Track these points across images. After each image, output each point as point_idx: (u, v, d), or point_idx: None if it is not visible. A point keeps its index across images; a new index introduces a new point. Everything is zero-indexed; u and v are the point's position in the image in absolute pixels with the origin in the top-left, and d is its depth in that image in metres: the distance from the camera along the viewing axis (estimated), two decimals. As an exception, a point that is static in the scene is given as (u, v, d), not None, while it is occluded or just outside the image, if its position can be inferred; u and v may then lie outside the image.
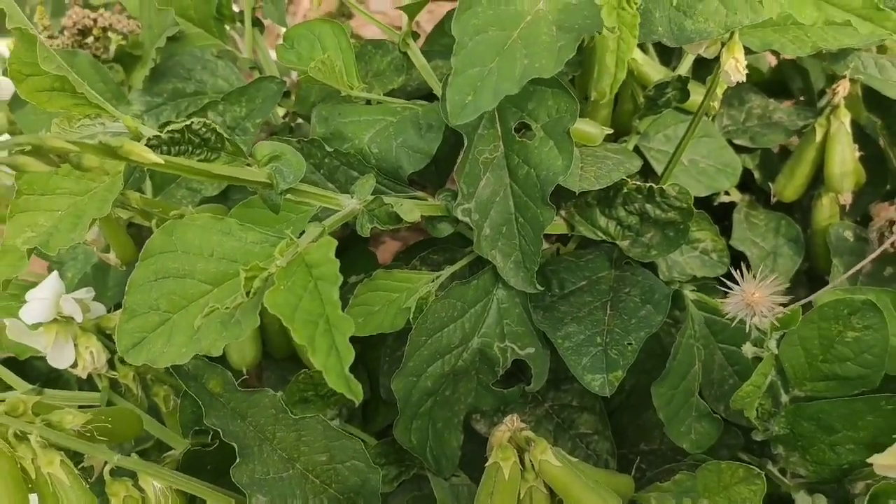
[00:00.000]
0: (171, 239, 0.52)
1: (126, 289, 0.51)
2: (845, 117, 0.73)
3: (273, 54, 0.85)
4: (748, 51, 0.68)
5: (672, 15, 0.60)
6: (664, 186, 0.65)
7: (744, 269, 0.55)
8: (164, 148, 0.54)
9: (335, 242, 0.48)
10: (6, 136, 0.82)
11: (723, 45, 0.60)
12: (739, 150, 0.79)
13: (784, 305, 0.55)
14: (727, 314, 0.56)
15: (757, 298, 0.53)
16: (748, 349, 0.59)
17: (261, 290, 0.49)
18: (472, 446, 0.70)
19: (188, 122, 0.54)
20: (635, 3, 0.47)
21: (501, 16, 0.54)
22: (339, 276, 0.47)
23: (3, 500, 0.52)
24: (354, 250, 0.83)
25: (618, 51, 0.47)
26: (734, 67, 0.59)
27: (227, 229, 0.53)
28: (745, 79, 0.58)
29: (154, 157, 0.48)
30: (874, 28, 0.46)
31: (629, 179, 0.66)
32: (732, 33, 0.59)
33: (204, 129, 0.55)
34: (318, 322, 0.47)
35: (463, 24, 0.54)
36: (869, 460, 0.42)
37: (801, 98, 0.89)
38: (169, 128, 0.54)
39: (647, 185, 0.66)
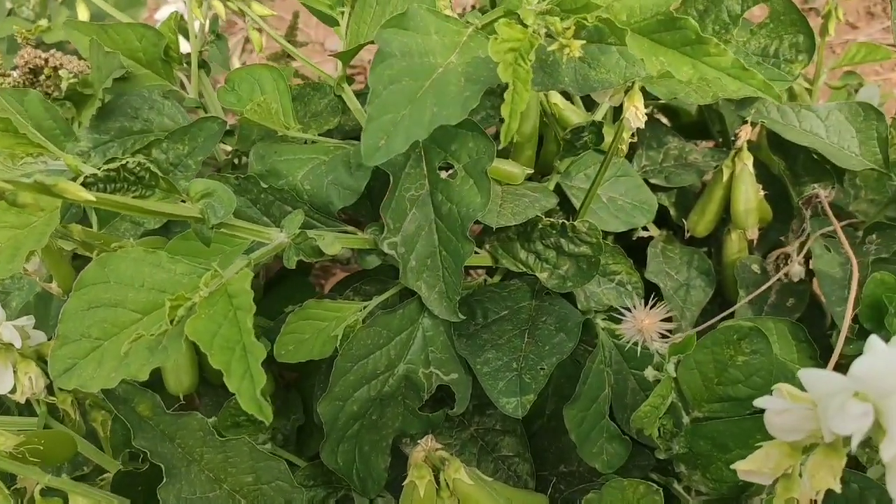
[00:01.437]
0: (104, 271, 0.56)
1: (60, 317, 0.55)
2: (748, 159, 0.78)
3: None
4: (655, 99, 0.74)
5: (577, 66, 0.66)
6: (576, 223, 0.70)
7: (635, 298, 0.59)
8: (101, 185, 0.58)
9: (251, 274, 0.52)
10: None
11: (625, 93, 0.66)
12: (656, 188, 0.84)
13: (672, 332, 0.60)
14: (623, 339, 0.60)
15: (647, 325, 0.58)
16: (650, 373, 0.64)
17: (184, 319, 0.53)
18: (401, 470, 0.74)
19: (123, 162, 0.58)
20: (529, 60, 0.52)
21: (414, 68, 0.58)
22: (253, 306, 0.51)
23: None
24: (294, 281, 0.87)
25: (511, 103, 0.52)
26: (634, 114, 0.65)
27: (157, 262, 0.57)
28: (643, 125, 0.64)
29: (87, 196, 0.52)
30: (742, 85, 0.51)
31: (542, 217, 0.71)
32: (632, 85, 0.64)
33: (138, 168, 0.58)
34: (234, 348, 0.51)
35: (378, 75, 0.58)
36: (732, 466, 0.46)
37: (720, 140, 0.95)
38: (104, 167, 0.57)
39: (560, 221, 0.70)
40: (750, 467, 0.47)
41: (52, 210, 0.59)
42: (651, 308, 0.58)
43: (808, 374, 0.41)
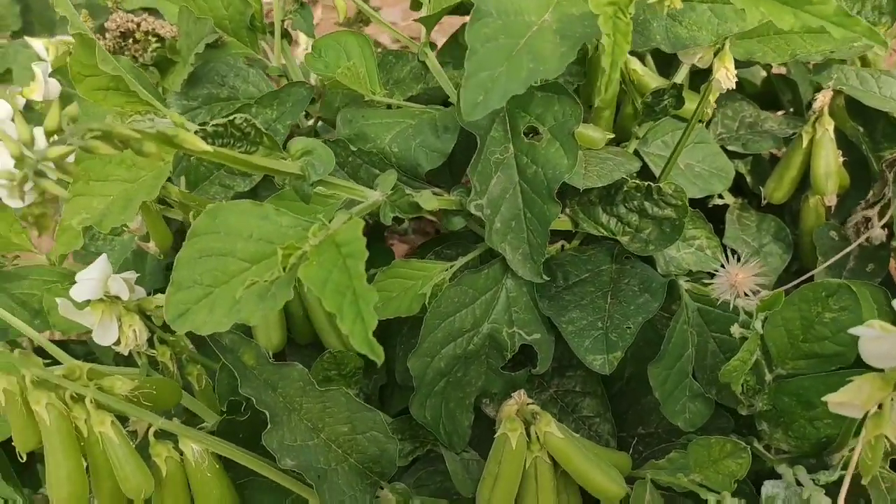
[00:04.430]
0: (214, 221, 0.58)
1: (174, 265, 0.57)
2: (829, 125, 0.79)
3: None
4: (738, 63, 0.74)
5: (668, 24, 0.67)
6: (661, 185, 0.71)
7: (729, 253, 0.60)
8: (210, 140, 0.60)
9: (362, 222, 0.54)
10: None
11: (715, 55, 0.67)
12: (732, 155, 0.85)
13: (767, 288, 0.60)
14: (714, 295, 0.61)
15: (740, 279, 0.59)
16: (736, 329, 0.65)
17: (295, 267, 0.55)
18: (481, 430, 0.76)
19: (232, 118, 0.60)
20: (629, 13, 0.53)
21: (509, 26, 0.59)
22: (366, 252, 0.52)
23: (60, 455, 0.58)
24: (373, 247, 0.89)
25: (612, 54, 0.53)
26: (725, 76, 0.65)
27: (264, 214, 0.59)
28: (734, 86, 0.64)
29: (204, 146, 0.54)
30: (845, 33, 0.52)
31: (628, 178, 0.72)
32: (724, 44, 0.65)
33: (245, 125, 0.61)
34: (345, 293, 0.53)
35: (475, 33, 0.59)
36: (823, 399, 0.47)
37: (791, 109, 0.95)
38: (214, 122, 0.60)
39: (646, 183, 0.71)
40: (842, 399, 0.49)
41: (165, 163, 0.62)
42: (744, 264, 0.59)
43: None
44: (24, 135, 0.49)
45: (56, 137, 0.51)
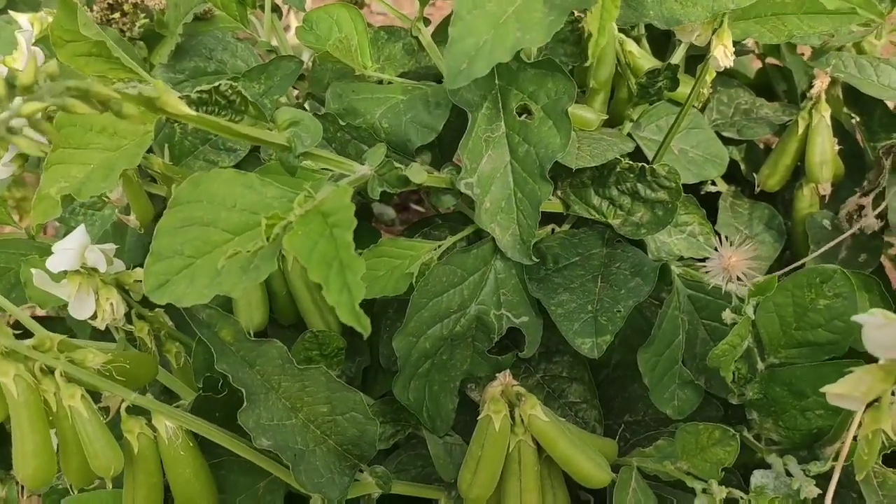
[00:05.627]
0: (197, 190, 0.56)
1: (154, 234, 0.55)
2: (826, 111, 0.78)
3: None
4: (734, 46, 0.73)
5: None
6: (654, 166, 0.70)
7: (723, 237, 0.59)
8: (194, 107, 0.58)
9: (350, 189, 0.53)
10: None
11: (713, 32, 0.65)
12: (727, 141, 0.84)
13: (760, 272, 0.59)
14: (707, 280, 0.60)
15: (734, 263, 0.57)
16: (727, 315, 0.64)
17: (279, 237, 0.53)
18: (466, 414, 0.74)
19: (216, 84, 0.58)
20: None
21: (497, -8, 0.58)
22: (354, 220, 0.51)
23: (27, 429, 0.56)
24: (360, 226, 0.87)
25: (600, 18, 0.52)
26: (723, 53, 0.64)
27: (249, 183, 0.57)
28: (732, 64, 0.63)
29: (187, 110, 0.53)
30: (840, 3, 0.50)
31: (621, 159, 0.70)
32: (722, 21, 0.64)
33: (230, 92, 0.59)
34: (332, 263, 0.51)
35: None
36: (822, 390, 0.46)
37: (786, 100, 0.94)
38: (198, 89, 0.58)
39: (639, 164, 0.70)
40: (841, 391, 0.47)
41: (146, 132, 0.60)
42: (738, 247, 0.58)
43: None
44: (-2, 91, 0.47)
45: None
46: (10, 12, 0.95)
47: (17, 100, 0.47)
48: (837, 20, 0.52)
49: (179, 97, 0.57)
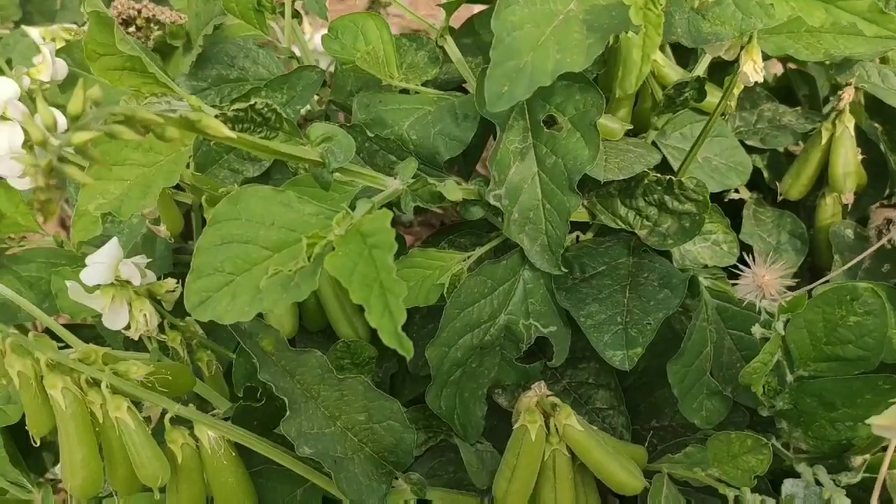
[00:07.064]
0: (236, 207, 0.57)
1: (195, 251, 0.56)
2: (850, 122, 0.78)
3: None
4: (763, 56, 0.73)
5: (691, 17, 0.66)
6: (682, 179, 0.70)
7: (755, 253, 0.59)
8: (230, 125, 0.59)
9: (391, 214, 0.53)
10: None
11: (742, 47, 0.66)
12: (750, 150, 0.84)
13: (791, 290, 0.60)
14: (738, 296, 0.60)
15: (767, 281, 0.58)
16: (757, 330, 0.64)
17: (320, 257, 0.54)
18: (494, 420, 0.75)
19: (252, 103, 0.59)
20: (660, 4, 0.52)
21: (536, 14, 0.58)
22: (394, 244, 0.51)
23: (75, 441, 0.57)
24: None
25: (644, 46, 0.52)
26: (752, 69, 0.64)
27: (287, 201, 0.58)
28: (762, 80, 0.63)
29: (227, 132, 0.53)
30: (879, 30, 0.51)
31: (650, 171, 0.71)
32: (752, 37, 0.64)
33: (266, 109, 0.59)
34: (372, 286, 0.51)
35: (502, 21, 0.58)
36: (867, 422, 0.46)
37: (807, 105, 0.94)
38: (234, 106, 0.58)
39: (667, 177, 0.71)
40: (886, 422, 0.48)
41: (180, 149, 0.60)
42: (771, 265, 0.59)
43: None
44: (48, 119, 0.47)
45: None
46: (24, 27, 0.95)
47: (62, 127, 0.48)
48: (875, 43, 0.52)
49: (216, 116, 0.58)
